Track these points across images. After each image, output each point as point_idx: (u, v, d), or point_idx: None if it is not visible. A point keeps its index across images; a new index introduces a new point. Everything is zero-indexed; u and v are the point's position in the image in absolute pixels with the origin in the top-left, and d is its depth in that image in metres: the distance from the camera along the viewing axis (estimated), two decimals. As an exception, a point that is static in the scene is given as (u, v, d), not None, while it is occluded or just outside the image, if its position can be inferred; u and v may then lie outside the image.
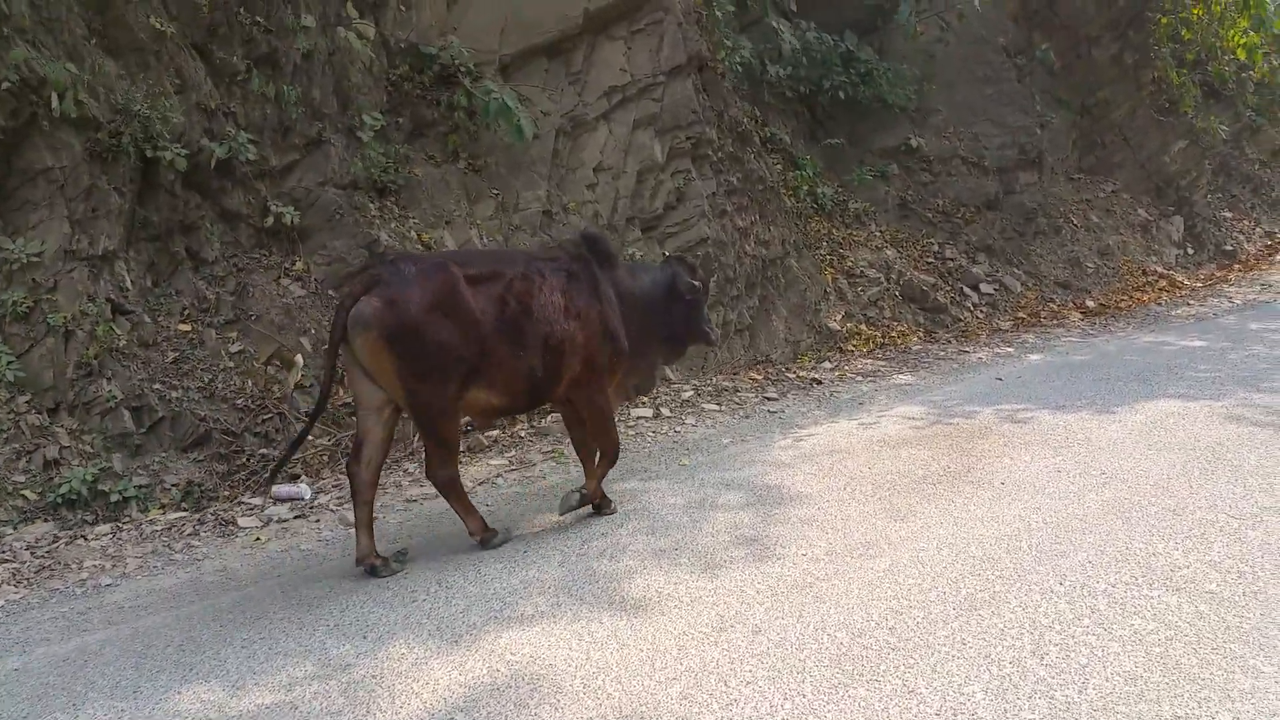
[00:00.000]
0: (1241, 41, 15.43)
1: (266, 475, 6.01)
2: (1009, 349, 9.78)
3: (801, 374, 8.54)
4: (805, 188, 11.81)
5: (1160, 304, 12.73)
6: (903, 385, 8.29)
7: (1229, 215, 18.59)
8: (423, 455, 5.19)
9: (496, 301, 4.63)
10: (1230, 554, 4.29)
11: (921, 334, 11.14)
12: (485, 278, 4.66)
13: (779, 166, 11.66)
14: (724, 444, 6.81)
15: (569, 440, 6.11)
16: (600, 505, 5.39)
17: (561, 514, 5.27)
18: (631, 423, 7.41)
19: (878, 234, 12.36)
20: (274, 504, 6.13)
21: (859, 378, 8.65)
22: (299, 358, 6.90)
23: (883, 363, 9.20)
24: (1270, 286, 13.82)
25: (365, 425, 4.69)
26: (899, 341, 10.63)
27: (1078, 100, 15.88)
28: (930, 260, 12.50)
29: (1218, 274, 15.56)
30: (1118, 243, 15.00)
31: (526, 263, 4.90)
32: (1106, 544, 4.48)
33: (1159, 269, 15.03)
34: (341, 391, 7.14)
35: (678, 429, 7.27)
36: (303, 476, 6.60)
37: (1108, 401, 7.28)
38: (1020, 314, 12.21)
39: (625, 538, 5.00)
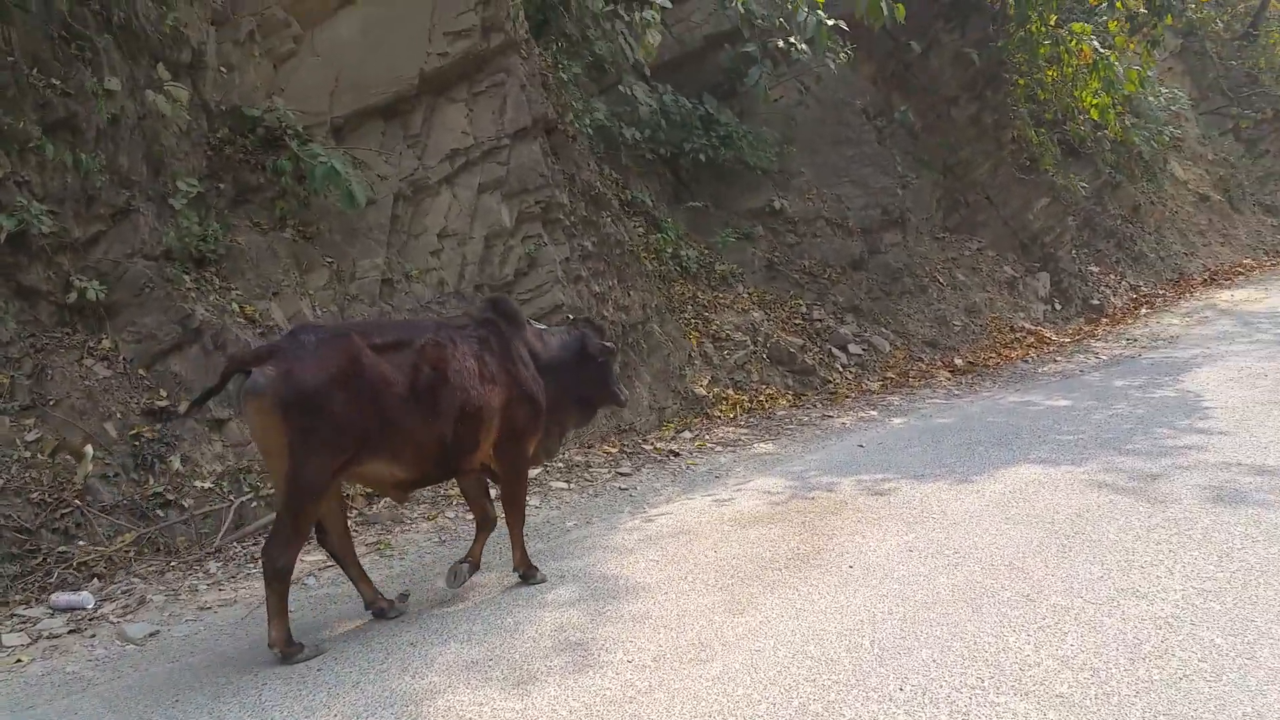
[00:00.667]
0: (1094, 102, 15.89)
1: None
2: (873, 412, 9.56)
3: (660, 445, 8.13)
4: (669, 250, 11.53)
5: (1028, 360, 12.78)
6: (763, 455, 7.94)
7: (1095, 270, 19.04)
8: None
9: (408, 370, 4.52)
10: (1084, 646, 3.97)
11: (790, 396, 10.89)
12: (393, 346, 4.55)
13: (640, 230, 11.38)
14: (567, 528, 6.33)
15: (396, 529, 5.59)
16: (528, 575, 5.25)
17: (451, 587, 5.10)
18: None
19: (745, 295, 12.14)
20: (51, 615, 5.41)
21: (719, 448, 8.28)
22: (88, 448, 6.20)
23: (745, 430, 8.86)
24: (1135, 341, 14.04)
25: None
26: (766, 405, 10.34)
27: (940, 160, 16.10)
28: (798, 321, 12.33)
29: (1085, 329, 15.81)
30: (984, 300, 15.13)
31: (436, 329, 4.81)
32: (954, 638, 4.12)
33: (1027, 325, 15.19)
34: (152, 480, 6.52)
35: None
36: (95, 580, 5.89)
37: (968, 469, 7.04)
38: (889, 374, 12.09)
39: (436, 648, 4.45)
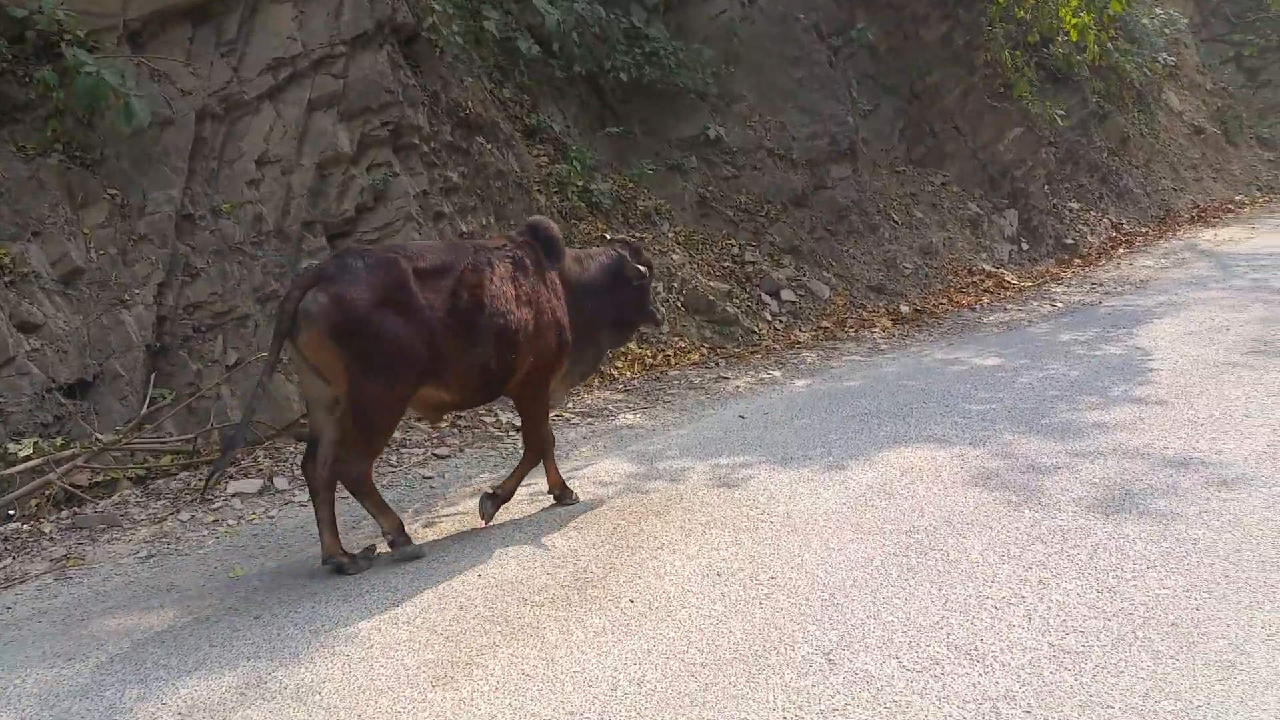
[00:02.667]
0: (1073, 22, 14.43)
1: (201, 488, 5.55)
2: (776, 373, 8.43)
3: (505, 416, 6.98)
4: (579, 183, 10.29)
5: (975, 308, 11.61)
6: (624, 429, 6.82)
7: (1075, 206, 17.76)
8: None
9: (448, 295, 4.51)
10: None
11: (704, 351, 9.76)
12: (436, 271, 4.53)
13: (545, 160, 10.15)
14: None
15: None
16: (561, 496, 5.32)
17: (485, 520, 5.06)
18: (220, 505, 5.73)
19: (670, 235, 10.91)
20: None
21: (577, 418, 7.16)
22: None
23: (621, 395, 7.70)
24: (1100, 286, 12.85)
25: (317, 423, 4.57)
26: (675, 361, 9.22)
27: (905, 85, 14.73)
28: (727, 264, 11.13)
29: (1053, 271, 14.59)
30: (943, 240, 13.89)
31: (474, 252, 4.78)
32: (700, 727, 3.07)
33: (988, 267, 13.98)
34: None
35: (278, 512, 5.51)
36: None
37: (847, 450, 5.95)
38: (824, 323, 10.93)
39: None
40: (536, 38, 10.19)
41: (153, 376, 6.42)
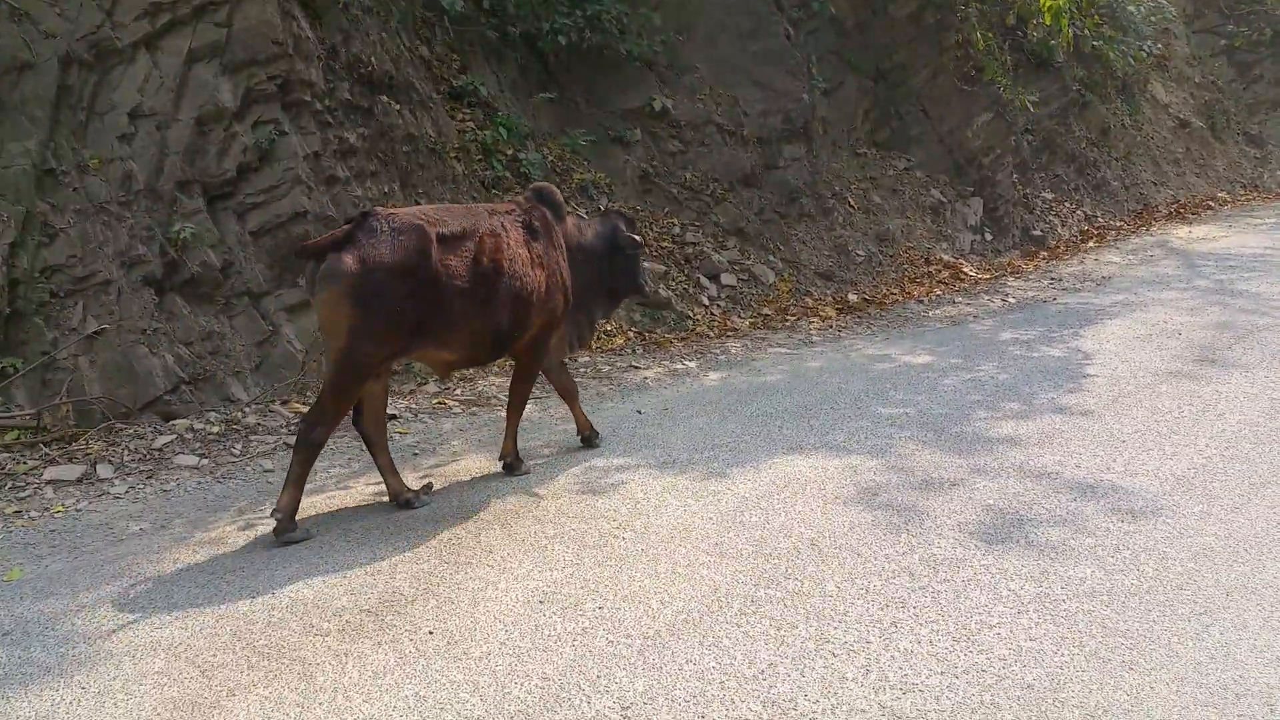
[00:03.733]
0: (1048, 4, 13.84)
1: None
2: (691, 363, 7.93)
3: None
4: (507, 152, 9.74)
5: (925, 300, 11.13)
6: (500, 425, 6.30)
7: (1050, 197, 17.29)
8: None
9: (470, 260, 4.59)
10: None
11: (632, 335, 9.27)
12: (458, 236, 4.60)
13: (470, 125, 9.59)
14: (123, 533, 4.70)
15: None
16: (513, 466, 5.33)
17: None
18: (29, 493, 5.12)
19: (599, 210, 10.39)
20: None
21: (459, 407, 6.65)
22: None
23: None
24: (1059, 281, 12.37)
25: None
26: (595, 346, 8.71)
27: (871, 64, 14.16)
28: (666, 244, 10.60)
29: (1017, 263, 14.10)
30: (901, 227, 13.38)
31: (490, 216, 4.85)
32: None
33: (946, 257, 13.48)
34: None
35: (88, 504, 4.92)
36: None
37: (736, 456, 5.47)
38: (765, 310, 10.43)
39: None
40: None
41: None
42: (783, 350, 8.48)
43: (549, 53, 10.77)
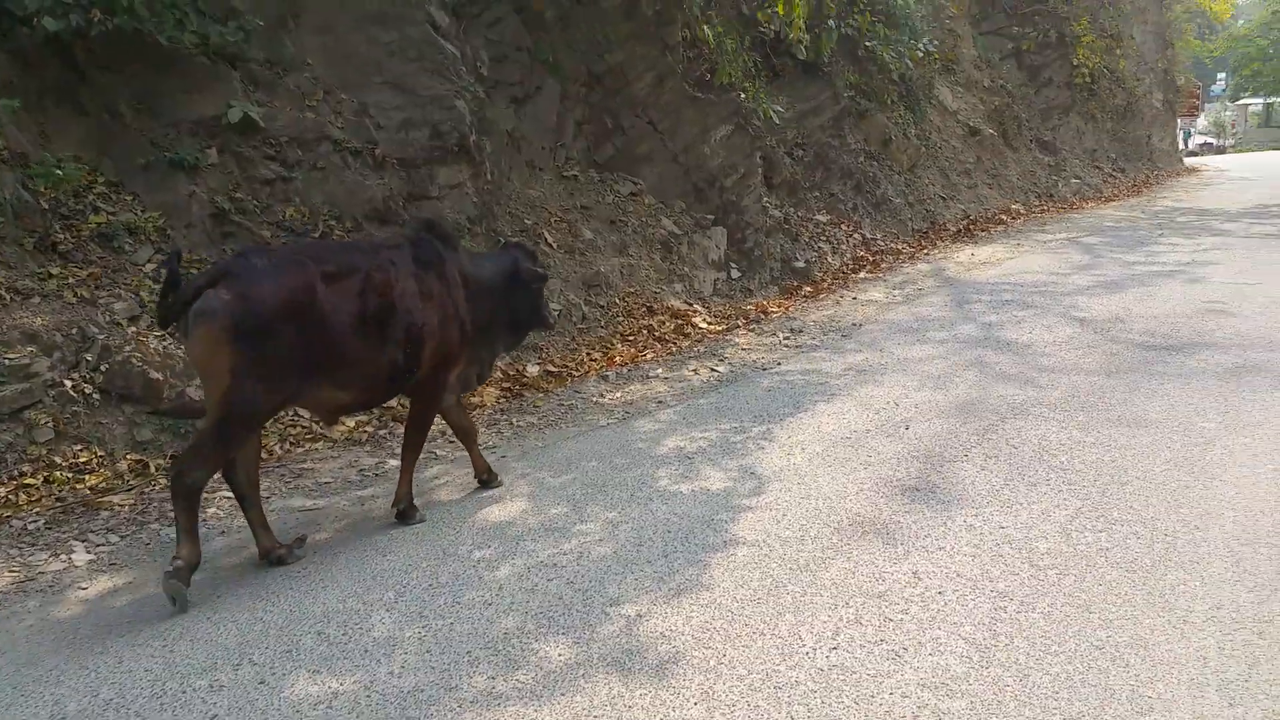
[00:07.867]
0: (781, -13, 11.41)
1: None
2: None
3: None
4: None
5: (620, 371, 8.40)
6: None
7: (824, 219, 15.01)
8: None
9: (356, 298, 4.40)
10: None
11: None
12: (342, 273, 4.39)
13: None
14: None
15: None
16: (407, 514, 5.01)
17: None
18: None
19: (129, 268, 7.26)
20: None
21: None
22: None
23: None
24: (798, 333, 9.85)
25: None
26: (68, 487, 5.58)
27: (582, 66, 11.45)
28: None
29: (767, 304, 11.61)
30: (620, 268, 10.68)
31: (375, 252, 4.69)
32: None
33: (676, 304, 10.85)
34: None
35: None
36: None
37: None
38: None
39: None
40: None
41: None
42: (349, 475, 5.50)
43: (79, 49, 7.59)
